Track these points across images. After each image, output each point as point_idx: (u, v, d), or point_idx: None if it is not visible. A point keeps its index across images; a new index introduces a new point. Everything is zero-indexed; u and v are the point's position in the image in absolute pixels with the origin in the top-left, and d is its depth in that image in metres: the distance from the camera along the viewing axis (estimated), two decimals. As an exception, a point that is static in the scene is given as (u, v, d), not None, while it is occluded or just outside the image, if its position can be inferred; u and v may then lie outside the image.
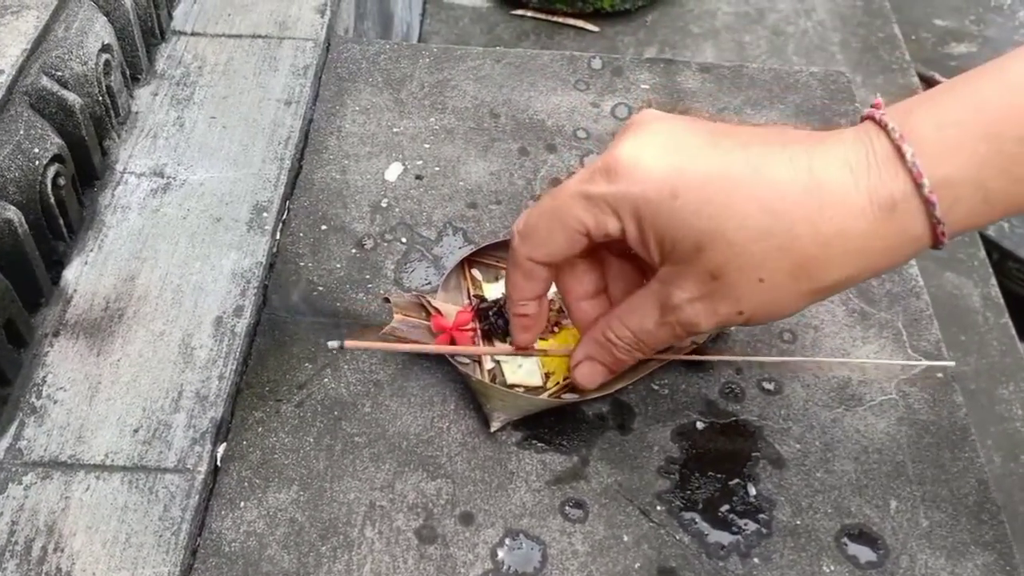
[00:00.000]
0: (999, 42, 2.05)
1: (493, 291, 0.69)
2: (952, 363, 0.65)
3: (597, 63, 0.90)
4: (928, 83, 1.99)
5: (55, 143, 0.66)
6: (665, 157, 0.40)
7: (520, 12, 1.69)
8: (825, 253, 0.40)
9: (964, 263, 1.35)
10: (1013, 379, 1.20)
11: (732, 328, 0.69)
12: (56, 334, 0.64)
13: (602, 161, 0.42)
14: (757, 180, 0.39)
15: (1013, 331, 1.27)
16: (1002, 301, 1.30)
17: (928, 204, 0.39)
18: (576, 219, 0.43)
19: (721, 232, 0.39)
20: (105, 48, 0.74)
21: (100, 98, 0.73)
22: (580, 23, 1.67)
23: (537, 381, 0.65)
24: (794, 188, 0.39)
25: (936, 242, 0.42)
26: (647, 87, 0.88)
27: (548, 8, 1.68)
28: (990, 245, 1.84)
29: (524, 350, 0.65)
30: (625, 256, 0.51)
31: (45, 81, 0.68)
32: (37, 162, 0.64)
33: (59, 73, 0.69)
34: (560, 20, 1.68)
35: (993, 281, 1.33)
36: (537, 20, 1.68)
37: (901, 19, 1.76)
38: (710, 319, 0.44)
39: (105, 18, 0.75)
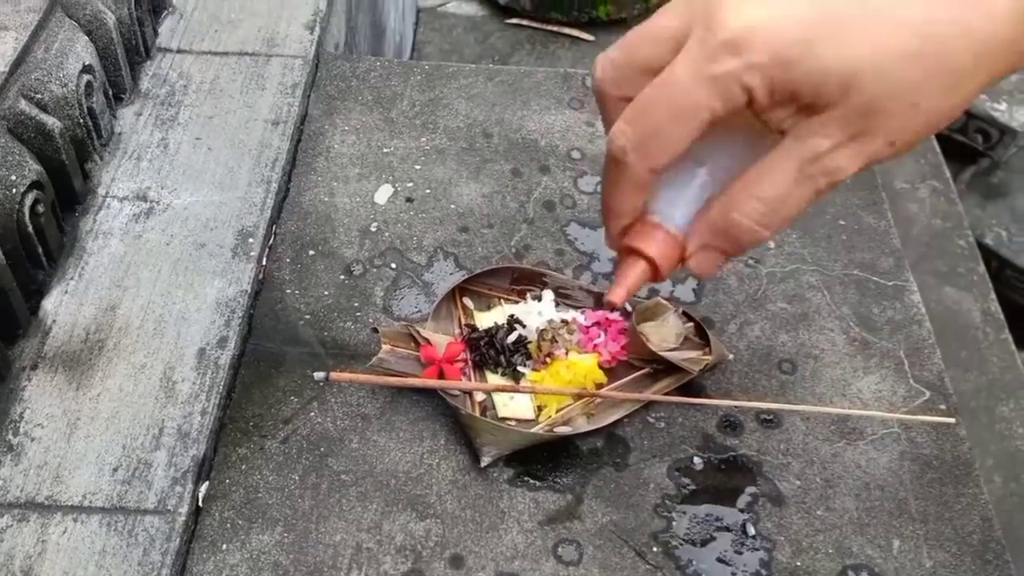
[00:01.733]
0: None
1: (485, 320, 0.68)
2: (952, 420, 0.63)
3: (591, 80, 0.88)
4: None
5: (33, 169, 0.64)
6: (789, 9, 0.37)
7: (515, 21, 1.68)
8: (976, 63, 0.38)
9: (964, 277, 1.33)
10: (1013, 396, 1.19)
11: (730, 356, 0.67)
12: (34, 367, 0.62)
13: (716, 34, 0.38)
14: (901, 3, 0.37)
15: (1013, 347, 1.25)
16: (1002, 316, 1.28)
17: None
18: (706, 108, 0.38)
19: (871, 65, 0.37)
20: (86, 69, 0.72)
21: (81, 120, 0.71)
22: (575, 32, 1.65)
23: (529, 414, 0.63)
24: (942, 2, 0.37)
25: None
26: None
27: (543, 17, 1.66)
28: (988, 254, 1.83)
29: (515, 384, 0.63)
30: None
31: (23, 105, 0.66)
32: (14, 190, 0.62)
33: (38, 96, 0.67)
34: (555, 29, 1.66)
35: (993, 296, 1.31)
36: (532, 29, 1.67)
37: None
38: (858, 161, 0.40)
39: (87, 38, 0.73)
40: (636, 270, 0.45)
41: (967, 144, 1.93)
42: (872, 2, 0.37)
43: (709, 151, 0.42)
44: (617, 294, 0.45)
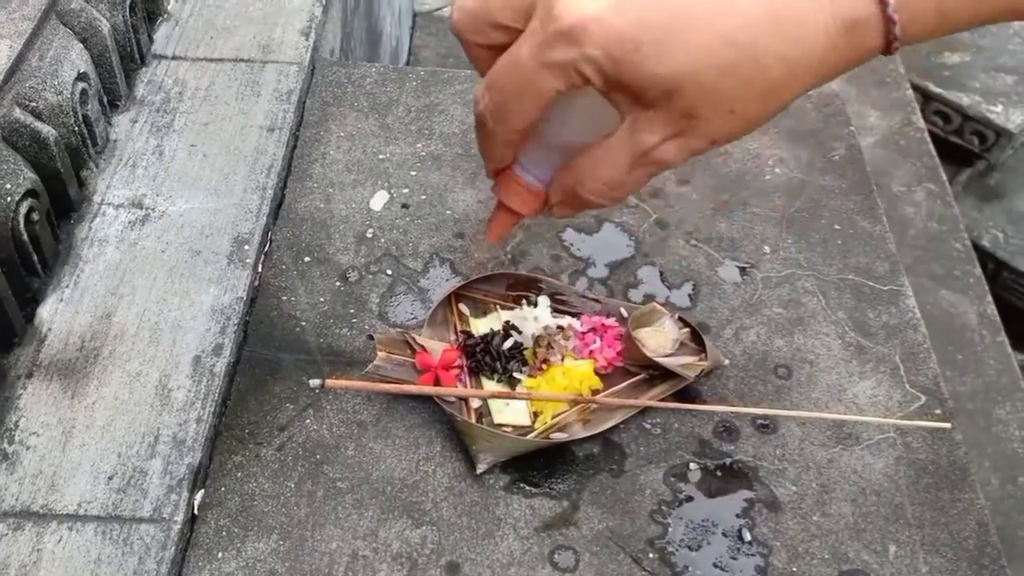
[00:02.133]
0: (993, 51, 2.04)
1: (481, 326, 0.68)
2: (948, 425, 0.63)
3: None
4: (922, 93, 1.98)
5: (28, 178, 0.64)
6: (621, 6, 0.40)
7: (511, 25, 1.67)
8: (791, 73, 0.41)
9: (960, 280, 1.33)
10: (1010, 399, 1.19)
11: (726, 362, 0.67)
12: (29, 376, 0.62)
13: (554, 22, 0.41)
14: (720, 14, 0.40)
15: (1009, 349, 1.25)
16: (998, 319, 1.28)
17: (889, 23, 0.40)
18: (549, 88, 0.42)
19: (691, 75, 0.40)
20: (81, 76, 0.72)
21: (76, 128, 0.71)
22: (571, 36, 1.65)
23: (525, 421, 0.63)
24: (757, 15, 0.40)
25: (886, 53, 0.43)
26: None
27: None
28: (985, 256, 1.83)
29: (511, 391, 0.63)
30: None
31: (18, 113, 0.66)
32: (9, 198, 0.62)
33: (33, 104, 0.67)
34: (551, 33, 1.66)
35: (989, 299, 1.31)
36: (528, 33, 1.67)
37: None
38: (683, 154, 0.44)
39: (82, 45, 0.73)
40: (504, 218, 0.51)
41: (963, 146, 1.93)
42: (697, 10, 0.40)
43: (567, 111, 0.45)
44: (489, 237, 0.52)
